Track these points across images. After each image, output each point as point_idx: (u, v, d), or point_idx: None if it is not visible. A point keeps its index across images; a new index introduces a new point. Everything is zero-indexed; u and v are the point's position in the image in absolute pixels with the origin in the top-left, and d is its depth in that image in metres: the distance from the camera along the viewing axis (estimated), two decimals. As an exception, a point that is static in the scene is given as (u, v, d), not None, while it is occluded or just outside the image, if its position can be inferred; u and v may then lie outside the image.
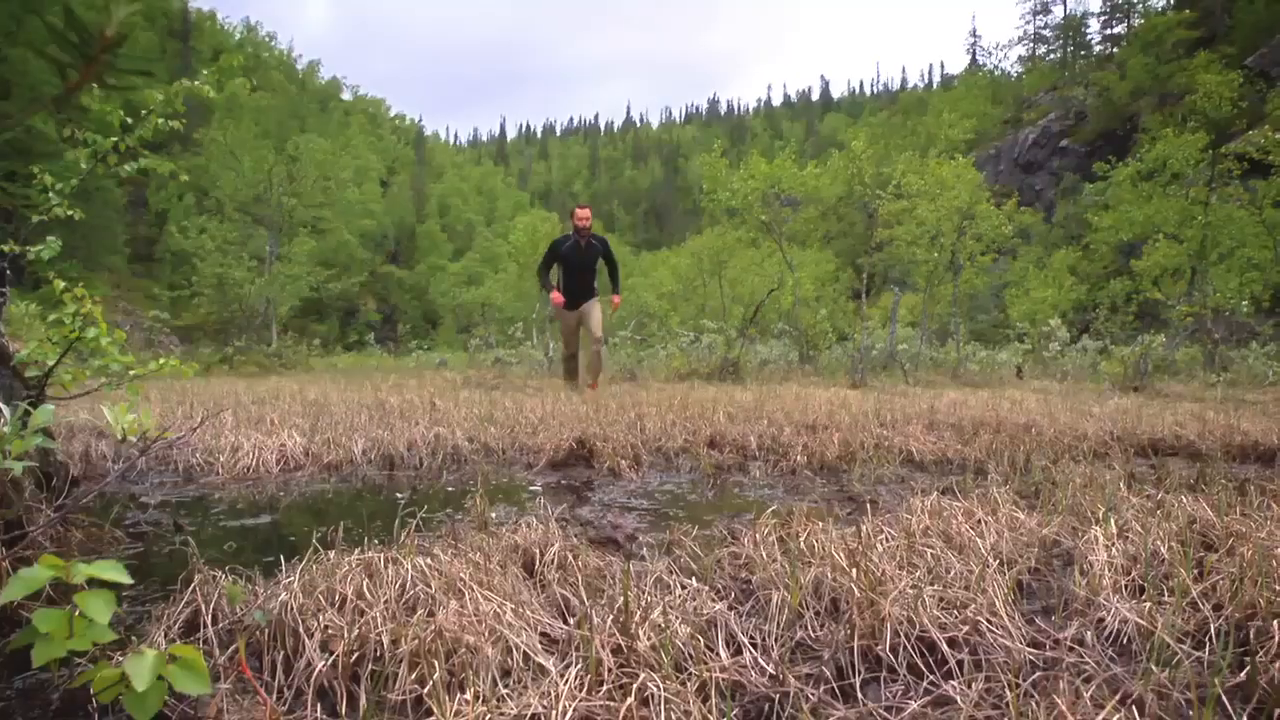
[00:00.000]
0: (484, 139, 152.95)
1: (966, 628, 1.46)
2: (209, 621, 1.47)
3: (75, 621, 0.96)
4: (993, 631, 1.45)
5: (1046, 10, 59.70)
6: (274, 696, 1.30)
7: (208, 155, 26.28)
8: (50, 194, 3.93)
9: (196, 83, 3.40)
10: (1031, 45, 60.33)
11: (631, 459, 3.75)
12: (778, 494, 3.21)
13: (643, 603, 1.53)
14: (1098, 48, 56.21)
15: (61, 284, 2.46)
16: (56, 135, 22.78)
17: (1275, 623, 1.40)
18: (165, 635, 1.45)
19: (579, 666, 1.31)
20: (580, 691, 1.24)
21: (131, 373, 2.47)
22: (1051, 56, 58.69)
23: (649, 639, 1.38)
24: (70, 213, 4.10)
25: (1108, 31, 56.07)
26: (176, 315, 27.83)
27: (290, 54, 68.55)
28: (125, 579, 0.96)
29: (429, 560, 1.70)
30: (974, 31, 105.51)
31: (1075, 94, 47.30)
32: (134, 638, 1.49)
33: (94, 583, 0.97)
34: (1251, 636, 1.42)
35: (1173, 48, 39.90)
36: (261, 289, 22.24)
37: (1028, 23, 60.67)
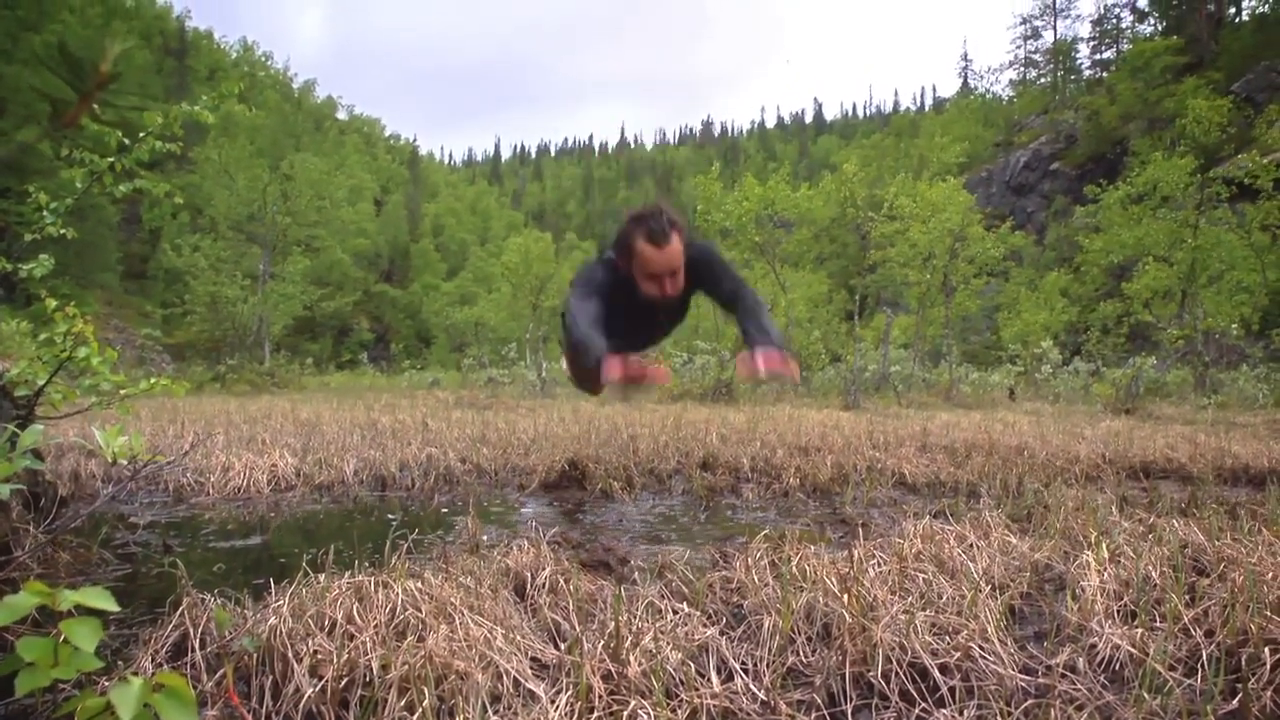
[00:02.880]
0: (478, 159, 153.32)
1: (958, 654, 1.45)
2: (197, 646, 1.45)
3: (61, 649, 0.95)
4: (985, 658, 1.45)
5: (1037, 35, 60.63)
6: (261, 723, 1.28)
7: (202, 173, 26.31)
8: (45, 213, 3.92)
9: (196, 108, 3.40)
10: (1022, 69, 61.26)
11: (624, 481, 3.74)
12: (770, 517, 3.20)
13: (634, 628, 1.52)
14: (1087, 72, 57.15)
15: (53, 302, 2.45)
16: (52, 153, 22.80)
17: (1267, 649, 1.40)
18: (152, 660, 1.44)
19: (569, 693, 1.30)
20: (570, 718, 1.23)
21: (122, 392, 2.46)
22: (1042, 80, 59.52)
23: (640, 665, 1.37)
24: (64, 231, 4.09)
25: (1097, 56, 57.08)
26: (169, 333, 27.84)
27: (286, 73, 69.15)
28: (112, 606, 0.95)
29: (420, 584, 1.69)
30: (965, 55, 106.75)
31: (1065, 118, 47.87)
32: (120, 662, 1.48)
33: (81, 609, 0.96)
34: (1243, 663, 1.42)
35: (1161, 73, 40.51)
36: (255, 307, 22.22)
37: (1018, 47, 61.55)
